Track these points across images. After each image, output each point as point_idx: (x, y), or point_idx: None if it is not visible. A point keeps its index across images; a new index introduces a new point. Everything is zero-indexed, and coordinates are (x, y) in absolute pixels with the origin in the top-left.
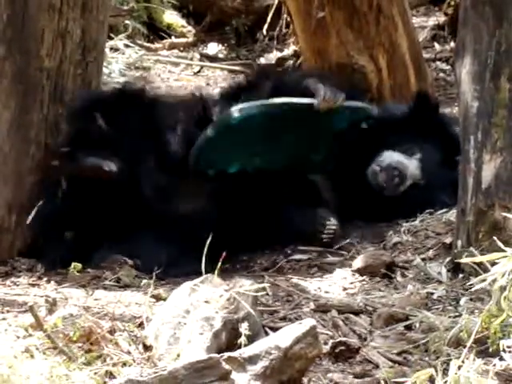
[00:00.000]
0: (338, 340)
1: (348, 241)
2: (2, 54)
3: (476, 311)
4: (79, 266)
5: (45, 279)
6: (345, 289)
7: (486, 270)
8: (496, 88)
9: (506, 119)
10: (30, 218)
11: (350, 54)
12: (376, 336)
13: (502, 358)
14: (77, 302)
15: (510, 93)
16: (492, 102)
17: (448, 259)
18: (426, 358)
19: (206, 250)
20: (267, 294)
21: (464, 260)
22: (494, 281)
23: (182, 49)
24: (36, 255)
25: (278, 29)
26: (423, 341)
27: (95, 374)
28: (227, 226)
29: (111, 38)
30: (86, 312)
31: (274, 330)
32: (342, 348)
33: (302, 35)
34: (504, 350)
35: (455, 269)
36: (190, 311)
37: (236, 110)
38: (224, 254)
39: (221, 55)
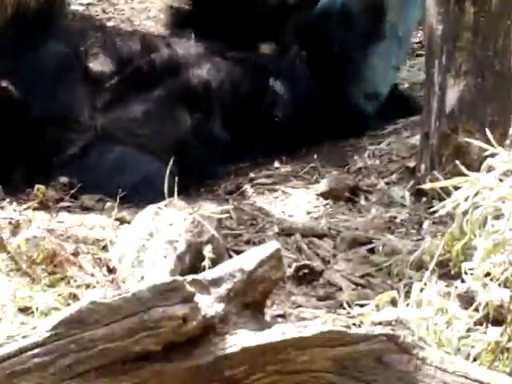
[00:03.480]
0: (301, 263)
1: (312, 165)
2: None
3: (439, 234)
4: (43, 188)
5: (7, 201)
6: (309, 212)
7: (448, 193)
8: (461, 11)
9: (470, 43)
10: None
11: None
12: (339, 259)
13: (463, 281)
14: (40, 225)
15: (475, 16)
16: (456, 25)
17: (411, 183)
18: (389, 281)
19: (168, 171)
20: (231, 218)
21: (427, 186)
22: (457, 205)
23: None
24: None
25: None
26: (386, 264)
27: (59, 295)
28: None
29: None
30: (49, 234)
31: (238, 253)
32: (306, 271)
33: None
34: (466, 273)
35: (418, 192)
36: (154, 234)
37: None
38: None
39: None
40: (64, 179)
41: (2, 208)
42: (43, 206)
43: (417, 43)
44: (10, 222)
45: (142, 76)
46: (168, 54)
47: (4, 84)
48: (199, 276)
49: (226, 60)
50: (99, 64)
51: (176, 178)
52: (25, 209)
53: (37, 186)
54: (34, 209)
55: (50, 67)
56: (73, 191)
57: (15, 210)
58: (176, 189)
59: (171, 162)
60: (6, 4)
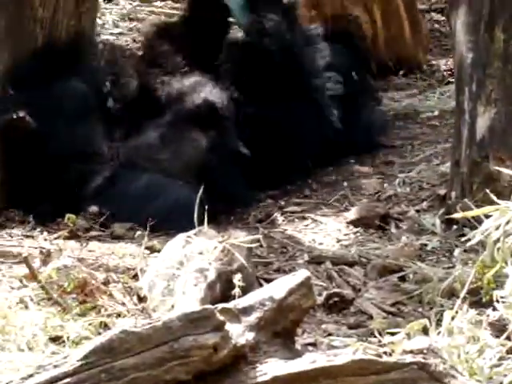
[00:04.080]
0: (332, 291)
1: (342, 193)
2: None
3: (470, 262)
4: (73, 217)
5: (38, 230)
6: (339, 240)
7: (479, 221)
8: (491, 39)
9: (500, 70)
10: None
11: (344, 4)
12: (370, 287)
13: (495, 309)
14: (71, 254)
15: (505, 43)
16: (487, 52)
17: (442, 211)
18: (420, 309)
19: (197, 200)
20: (261, 246)
21: (457, 215)
22: (488, 233)
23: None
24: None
25: None
26: (417, 292)
27: (90, 324)
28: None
29: None
30: (80, 263)
31: (269, 281)
32: (336, 299)
33: None
34: (497, 301)
35: (449, 220)
36: (184, 263)
37: None
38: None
39: None
40: (94, 208)
41: (33, 237)
42: (74, 236)
43: (447, 71)
44: (40, 252)
45: (150, 109)
46: (166, 90)
47: (21, 114)
48: (229, 304)
49: (222, 83)
50: (112, 99)
51: (206, 207)
52: (55, 238)
53: (67, 215)
54: (65, 238)
55: (68, 103)
56: (102, 219)
57: (46, 240)
58: (206, 217)
59: (201, 190)
60: (37, 35)
